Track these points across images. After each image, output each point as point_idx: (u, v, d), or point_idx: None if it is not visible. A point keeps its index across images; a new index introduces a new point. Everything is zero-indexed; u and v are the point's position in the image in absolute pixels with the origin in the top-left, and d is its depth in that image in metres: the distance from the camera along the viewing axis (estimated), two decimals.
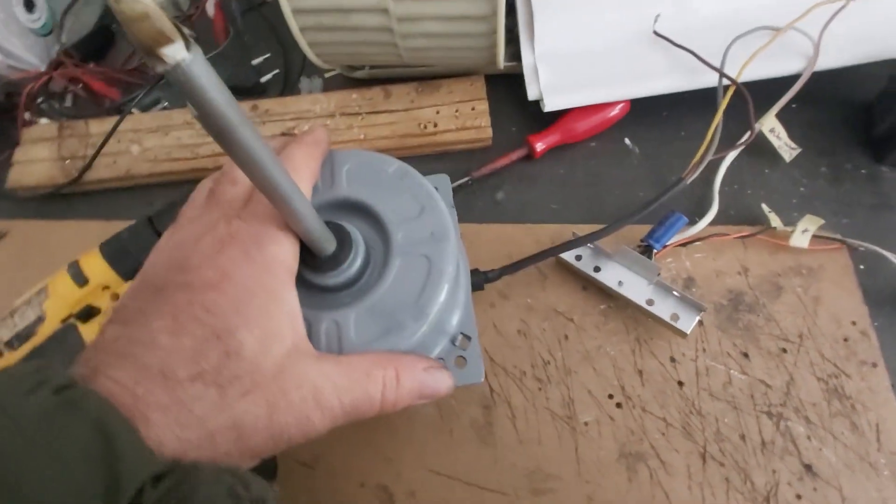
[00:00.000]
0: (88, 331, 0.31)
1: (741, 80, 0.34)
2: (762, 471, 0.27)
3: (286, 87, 0.44)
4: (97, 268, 0.32)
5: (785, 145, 0.36)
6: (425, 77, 0.41)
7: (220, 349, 0.17)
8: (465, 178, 0.38)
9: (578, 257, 0.33)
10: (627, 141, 0.39)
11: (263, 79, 0.45)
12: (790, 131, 0.36)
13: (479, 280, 0.30)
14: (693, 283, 0.33)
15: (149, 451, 0.15)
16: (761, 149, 0.36)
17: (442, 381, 0.21)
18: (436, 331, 0.24)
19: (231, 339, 0.17)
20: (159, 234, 0.32)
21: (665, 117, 0.39)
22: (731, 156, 0.35)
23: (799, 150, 0.35)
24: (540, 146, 0.38)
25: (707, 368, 0.30)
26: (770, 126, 0.35)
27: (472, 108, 0.40)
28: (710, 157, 0.32)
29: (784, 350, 0.30)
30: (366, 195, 0.25)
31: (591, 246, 0.33)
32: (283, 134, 0.39)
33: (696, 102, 0.36)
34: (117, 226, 0.33)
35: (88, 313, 0.31)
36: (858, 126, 0.37)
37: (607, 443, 0.29)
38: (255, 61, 0.46)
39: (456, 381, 0.22)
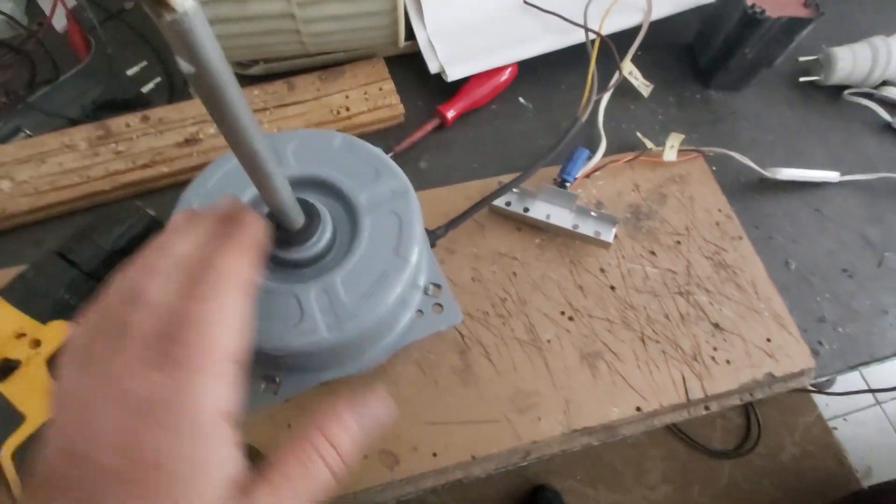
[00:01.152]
0: (11, 389, 0.27)
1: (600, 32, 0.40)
2: (686, 338, 0.34)
3: (174, 93, 0.42)
4: (5, 316, 0.28)
5: (642, 84, 0.43)
6: (324, 66, 0.42)
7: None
8: (389, 154, 0.39)
9: (508, 203, 0.37)
10: (521, 99, 0.44)
11: (145, 88, 0.42)
12: (643, 72, 0.44)
13: (430, 239, 0.32)
14: (602, 205, 0.38)
15: None
16: (624, 89, 0.43)
17: (378, 410, 0.19)
18: (411, 286, 0.26)
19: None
20: (74, 264, 0.30)
21: (547, 75, 0.45)
22: (607, 97, 0.42)
23: (652, 87, 0.43)
24: (451, 114, 0.41)
25: (629, 270, 0.36)
26: (628, 69, 0.42)
27: (380, 89, 0.41)
28: (594, 96, 0.38)
29: (678, 242, 0.37)
30: (318, 169, 0.25)
31: (516, 190, 0.37)
32: (187, 141, 0.37)
33: (569, 60, 0.42)
34: (5, 274, 0.29)
35: (5, 369, 0.27)
36: (687, 61, 0.46)
37: (569, 352, 0.33)
38: (131, 71, 0.42)
39: (440, 326, 0.25)
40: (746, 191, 0.40)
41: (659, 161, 0.39)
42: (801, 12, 0.38)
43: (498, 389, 0.32)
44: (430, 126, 0.41)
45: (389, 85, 0.41)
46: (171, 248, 0.18)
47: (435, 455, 0.30)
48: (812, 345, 0.35)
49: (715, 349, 0.34)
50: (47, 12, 0.43)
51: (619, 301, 0.35)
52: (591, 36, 0.40)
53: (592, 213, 0.35)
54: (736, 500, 1.08)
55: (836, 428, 1.20)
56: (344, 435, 0.18)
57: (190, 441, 0.15)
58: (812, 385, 1.18)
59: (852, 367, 0.35)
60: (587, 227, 0.35)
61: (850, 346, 0.35)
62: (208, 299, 0.16)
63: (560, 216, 0.35)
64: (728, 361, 0.33)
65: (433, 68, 0.41)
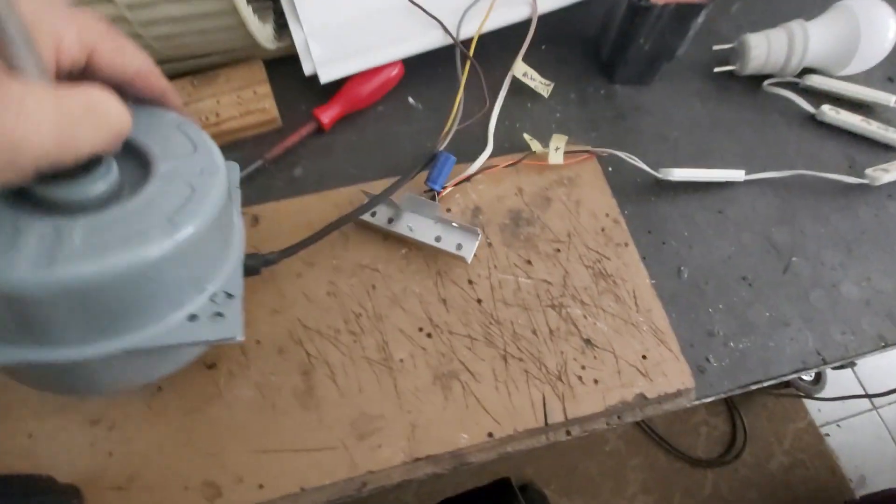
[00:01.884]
0: None
1: (483, 31, 0.38)
2: (553, 355, 0.31)
3: None
4: None
5: (540, 84, 0.40)
6: (199, 70, 0.40)
7: None
8: (259, 162, 0.38)
9: (373, 213, 0.34)
10: (411, 99, 0.42)
11: None
12: (545, 69, 0.41)
13: (258, 263, 0.29)
14: (480, 211, 0.36)
15: None
16: (522, 89, 0.40)
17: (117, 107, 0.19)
18: (191, 281, 0.23)
19: None
20: None
21: (440, 72, 0.42)
22: (499, 102, 0.39)
23: (552, 85, 0.40)
24: (327, 117, 0.39)
25: (500, 282, 0.33)
26: (522, 70, 0.40)
27: (254, 92, 0.39)
28: (455, 128, 0.35)
29: (558, 250, 0.34)
30: (134, 134, 0.23)
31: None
32: None
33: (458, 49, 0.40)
34: None
35: None
36: (592, 55, 0.43)
37: (422, 371, 0.31)
38: None
39: (210, 336, 0.22)
40: (642, 193, 0.37)
41: (545, 164, 0.37)
42: None
43: (340, 413, 0.30)
44: (304, 131, 0.39)
45: (265, 88, 0.39)
46: None
47: (261, 487, 0.28)
48: (697, 361, 0.32)
49: (583, 367, 0.31)
50: None
51: (484, 315, 0.32)
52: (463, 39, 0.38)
53: (454, 225, 0.33)
54: None
55: (828, 435, 1.14)
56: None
57: None
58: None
59: (742, 387, 0.31)
60: (449, 241, 0.33)
61: (741, 362, 0.32)
62: None
63: (423, 228, 0.33)
64: (596, 381, 0.30)
65: (307, 70, 0.39)
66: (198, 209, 0.21)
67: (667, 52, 0.39)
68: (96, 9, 0.31)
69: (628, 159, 0.36)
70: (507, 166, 0.36)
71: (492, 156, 0.37)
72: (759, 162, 0.39)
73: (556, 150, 0.36)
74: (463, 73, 0.37)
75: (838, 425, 1.16)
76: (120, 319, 0.21)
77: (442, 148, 0.35)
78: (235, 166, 0.33)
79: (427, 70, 0.41)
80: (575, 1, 0.40)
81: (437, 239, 0.33)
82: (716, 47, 0.42)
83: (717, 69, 0.42)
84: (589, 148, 0.37)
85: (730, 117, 0.41)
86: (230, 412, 0.29)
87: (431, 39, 0.39)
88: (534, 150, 0.37)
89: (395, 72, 0.40)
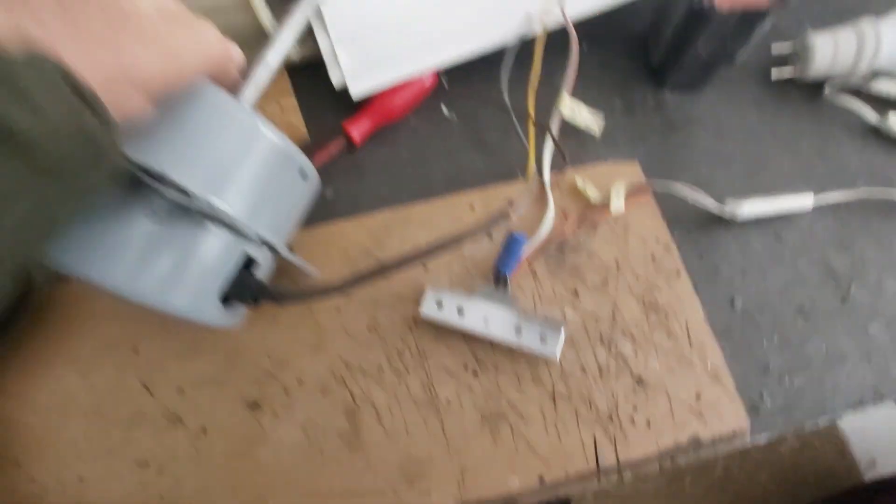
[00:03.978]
0: None
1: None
2: (603, 394, 0.30)
3: None
4: None
5: (590, 118, 0.36)
6: None
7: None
8: None
9: (439, 303, 0.30)
10: (444, 109, 0.39)
11: None
12: (587, 73, 0.38)
13: (275, 293, 0.26)
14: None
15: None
16: (570, 130, 0.36)
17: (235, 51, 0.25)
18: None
19: None
20: None
21: (476, 76, 0.39)
22: (546, 161, 0.35)
23: (602, 117, 0.36)
24: (357, 133, 0.37)
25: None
26: (569, 106, 0.36)
27: (280, 106, 0.37)
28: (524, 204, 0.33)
29: (606, 280, 0.33)
30: None
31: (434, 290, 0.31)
32: None
33: (501, 57, 0.37)
34: None
35: None
36: (640, 58, 0.40)
37: (469, 412, 0.30)
38: None
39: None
40: (693, 213, 0.35)
41: (607, 214, 0.34)
42: (759, 3, 0.32)
43: (387, 456, 0.29)
44: (334, 148, 0.37)
45: (290, 101, 0.37)
46: None
47: None
48: (751, 400, 0.31)
49: (635, 408, 0.30)
50: None
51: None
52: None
53: (535, 318, 0.30)
54: (730, 492, 1.05)
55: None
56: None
57: None
58: None
59: (797, 427, 0.31)
60: (531, 335, 0.29)
61: (796, 400, 0.31)
62: None
63: (499, 321, 0.30)
64: (648, 422, 0.30)
65: (336, 82, 0.36)
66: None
67: (726, 59, 0.36)
68: None
69: (689, 197, 0.33)
70: (575, 226, 0.33)
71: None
72: (819, 178, 0.36)
73: (617, 195, 0.33)
74: (529, 141, 0.34)
75: None
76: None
77: (515, 216, 0.32)
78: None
79: (456, 75, 0.38)
80: (614, 5, 0.36)
81: (518, 332, 0.30)
82: (774, 46, 0.39)
83: (774, 76, 0.39)
84: (647, 183, 0.34)
85: (788, 128, 0.38)
86: (276, 455, 0.29)
87: (473, 47, 0.36)
88: (592, 201, 0.34)
89: (428, 81, 0.38)
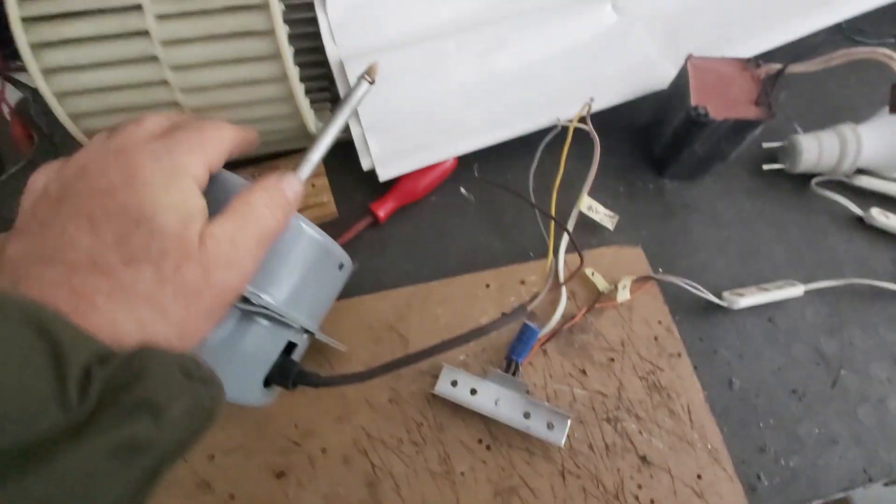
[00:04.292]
0: None
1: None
2: (609, 472, 0.32)
3: None
4: None
5: (605, 216, 0.39)
6: (258, 160, 0.41)
7: (144, 234, 0.19)
8: None
9: (454, 382, 0.33)
10: (463, 190, 0.42)
11: None
12: (592, 156, 0.41)
13: (311, 378, 0.29)
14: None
15: (87, 336, 0.16)
16: (585, 220, 0.39)
17: (294, 183, 0.25)
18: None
19: (152, 224, 0.19)
20: None
21: (493, 161, 0.43)
22: (561, 253, 0.38)
23: (617, 217, 0.39)
24: (382, 212, 0.40)
25: (555, 392, 0.34)
26: (587, 205, 0.39)
27: (313, 185, 0.40)
28: (544, 293, 0.35)
29: (612, 359, 0.35)
30: None
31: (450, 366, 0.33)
32: None
33: (518, 145, 0.40)
34: None
35: None
36: (643, 147, 0.44)
37: (483, 486, 0.32)
38: None
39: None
40: (692, 298, 0.38)
41: (614, 304, 0.36)
42: (751, 113, 0.36)
43: None
44: (361, 225, 0.40)
45: (323, 181, 0.41)
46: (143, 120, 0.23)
47: None
48: (749, 479, 0.33)
49: (640, 486, 0.32)
50: None
51: None
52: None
53: (545, 405, 0.32)
54: None
55: None
56: (276, 192, 0.24)
57: (169, 172, 0.20)
58: None
59: None
60: (539, 422, 0.32)
61: (791, 481, 0.33)
62: (191, 126, 0.22)
63: (510, 405, 0.32)
64: (652, 501, 0.31)
65: (365, 165, 0.40)
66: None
67: (720, 157, 0.39)
68: (154, 94, 0.31)
69: (691, 288, 0.36)
70: (584, 314, 0.36)
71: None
72: (807, 265, 0.39)
73: (624, 287, 0.36)
74: (549, 237, 0.37)
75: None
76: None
77: (530, 308, 0.34)
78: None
79: (475, 156, 0.42)
80: (631, 98, 0.40)
81: (527, 416, 0.32)
82: (766, 144, 0.43)
83: (766, 166, 0.42)
84: (651, 275, 0.37)
85: (778, 216, 0.41)
86: None
87: (494, 136, 0.40)
88: (601, 290, 0.37)
89: (449, 163, 0.41)
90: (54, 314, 0.16)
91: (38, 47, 0.27)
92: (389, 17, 0.42)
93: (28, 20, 0.27)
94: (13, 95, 0.45)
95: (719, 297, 0.37)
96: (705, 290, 0.36)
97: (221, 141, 0.23)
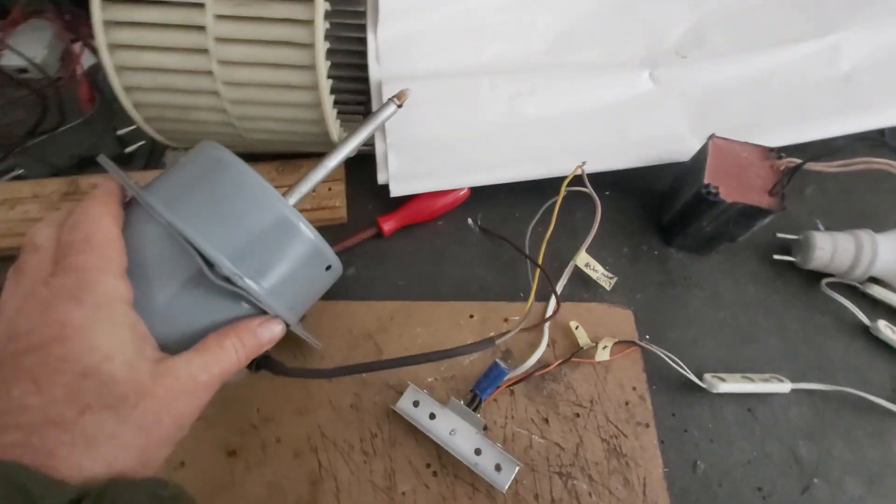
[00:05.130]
0: None
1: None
2: None
3: (151, 158, 0.45)
4: None
5: (603, 276, 0.39)
6: (287, 156, 0.44)
7: (94, 384, 0.19)
8: None
9: (416, 403, 0.34)
10: (469, 221, 0.44)
11: (128, 149, 0.46)
12: (602, 218, 0.42)
13: (275, 365, 0.30)
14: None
15: (59, 482, 0.17)
16: (583, 278, 0.40)
17: (275, 329, 0.26)
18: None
19: (99, 374, 0.19)
20: None
21: (502, 199, 0.44)
22: (551, 305, 0.38)
23: (615, 279, 0.39)
24: (388, 226, 0.41)
25: (514, 434, 0.34)
26: (584, 261, 0.39)
27: (329, 189, 0.43)
28: (515, 331, 0.34)
29: (577, 415, 0.35)
30: None
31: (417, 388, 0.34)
32: None
33: (529, 186, 0.41)
34: None
35: None
36: (654, 214, 0.44)
37: None
38: (122, 131, 0.46)
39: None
40: (673, 371, 0.37)
41: (592, 361, 0.36)
42: (763, 201, 0.36)
43: None
44: (366, 234, 0.41)
45: (340, 186, 0.43)
46: (46, 217, 0.24)
47: None
48: None
49: None
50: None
51: None
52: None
53: (497, 446, 0.32)
54: None
55: None
56: (252, 338, 0.25)
57: (97, 309, 0.20)
58: None
59: None
60: (488, 461, 0.32)
61: None
62: (87, 229, 0.22)
63: (464, 438, 0.32)
64: None
65: (381, 179, 0.42)
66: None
67: (728, 237, 0.39)
68: (199, 81, 0.34)
69: (672, 363, 0.36)
70: (559, 364, 0.36)
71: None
72: (801, 363, 0.38)
73: (604, 348, 0.36)
74: (533, 281, 0.37)
75: None
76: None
77: (498, 358, 0.35)
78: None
79: (489, 196, 0.43)
80: (650, 164, 0.41)
81: (478, 452, 0.32)
82: (780, 235, 0.42)
83: (777, 256, 0.42)
84: (635, 341, 0.37)
85: (781, 309, 0.40)
86: None
87: (509, 174, 0.41)
88: (581, 344, 0.36)
89: (463, 192, 0.43)
90: (24, 468, 0.17)
91: (109, 24, 0.31)
92: (434, 49, 0.45)
93: (107, 0, 0.31)
94: (88, 61, 0.50)
95: (700, 377, 0.36)
96: (686, 369, 0.35)
97: (103, 209, 0.23)
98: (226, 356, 0.24)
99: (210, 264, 0.25)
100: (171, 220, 0.24)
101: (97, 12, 0.30)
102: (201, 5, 0.30)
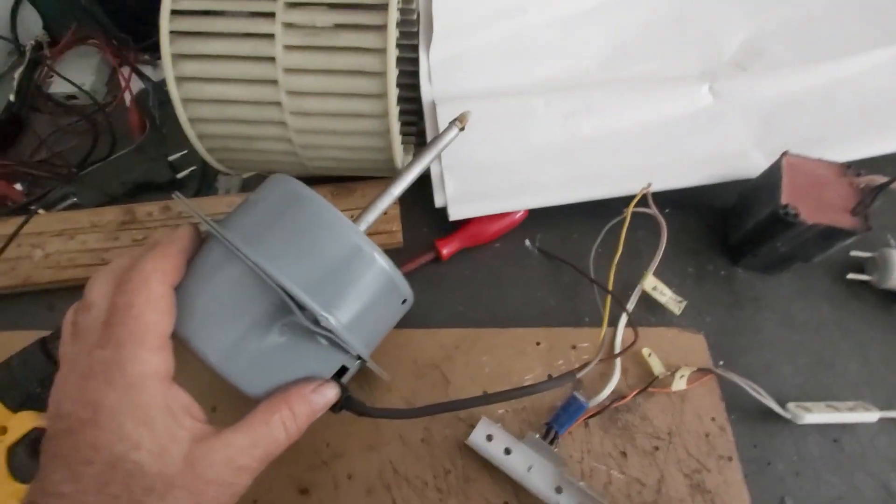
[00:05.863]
0: None
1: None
2: None
3: (203, 185, 0.45)
4: None
5: (671, 299, 0.38)
6: (341, 179, 0.43)
7: (121, 475, 0.19)
8: None
9: (489, 437, 0.32)
10: (527, 242, 0.43)
11: (180, 175, 0.45)
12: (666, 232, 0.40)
13: (358, 406, 0.28)
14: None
15: None
16: (650, 302, 0.38)
17: (329, 394, 0.25)
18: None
19: (127, 464, 0.19)
20: (51, 358, 0.32)
21: (560, 220, 0.43)
22: (620, 329, 0.37)
23: (685, 303, 0.38)
24: (447, 250, 0.41)
25: (591, 470, 0.33)
26: (652, 285, 0.38)
27: (385, 213, 0.42)
28: (598, 359, 0.34)
29: (656, 448, 0.34)
30: None
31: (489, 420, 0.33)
32: None
33: (588, 206, 0.40)
34: (13, 337, 0.32)
35: None
36: (719, 231, 0.43)
37: None
38: (172, 157, 0.46)
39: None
40: (753, 399, 0.36)
41: (668, 391, 0.34)
42: (845, 222, 0.34)
43: None
44: (424, 259, 0.41)
45: (395, 210, 0.42)
46: (109, 264, 0.23)
47: None
48: None
49: None
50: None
51: None
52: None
53: (580, 485, 0.30)
54: None
55: None
56: (305, 407, 0.24)
57: (128, 393, 0.20)
58: None
59: None
60: (570, 499, 0.30)
61: None
62: (133, 291, 0.21)
63: (543, 474, 0.31)
64: None
65: (438, 202, 0.41)
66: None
67: (803, 258, 0.37)
68: (266, 112, 0.33)
69: (753, 392, 0.34)
70: (636, 395, 0.34)
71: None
72: (886, 389, 0.36)
73: (682, 377, 0.35)
74: (605, 310, 0.36)
75: None
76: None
77: (577, 391, 0.34)
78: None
79: (547, 217, 0.42)
80: (718, 181, 0.40)
81: (558, 491, 0.30)
82: (853, 253, 0.41)
83: (851, 275, 0.40)
84: (711, 368, 0.36)
85: (859, 330, 0.39)
86: None
87: (567, 196, 0.40)
88: (656, 373, 0.35)
89: (519, 214, 0.42)
90: None
91: (177, 57, 0.30)
92: (486, 69, 0.44)
93: (175, 33, 0.30)
94: (136, 85, 0.50)
95: (783, 406, 0.34)
96: (768, 397, 0.34)
97: (156, 264, 0.22)
98: (272, 434, 0.22)
99: (301, 307, 0.24)
100: (257, 261, 0.24)
101: (166, 46, 0.30)
102: (271, 36, 0.30)
